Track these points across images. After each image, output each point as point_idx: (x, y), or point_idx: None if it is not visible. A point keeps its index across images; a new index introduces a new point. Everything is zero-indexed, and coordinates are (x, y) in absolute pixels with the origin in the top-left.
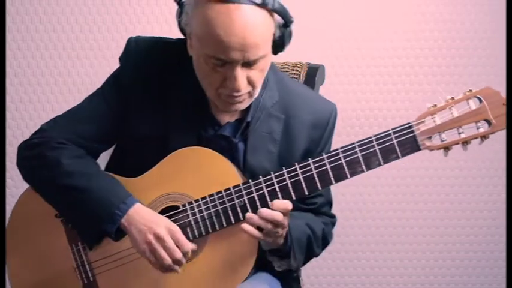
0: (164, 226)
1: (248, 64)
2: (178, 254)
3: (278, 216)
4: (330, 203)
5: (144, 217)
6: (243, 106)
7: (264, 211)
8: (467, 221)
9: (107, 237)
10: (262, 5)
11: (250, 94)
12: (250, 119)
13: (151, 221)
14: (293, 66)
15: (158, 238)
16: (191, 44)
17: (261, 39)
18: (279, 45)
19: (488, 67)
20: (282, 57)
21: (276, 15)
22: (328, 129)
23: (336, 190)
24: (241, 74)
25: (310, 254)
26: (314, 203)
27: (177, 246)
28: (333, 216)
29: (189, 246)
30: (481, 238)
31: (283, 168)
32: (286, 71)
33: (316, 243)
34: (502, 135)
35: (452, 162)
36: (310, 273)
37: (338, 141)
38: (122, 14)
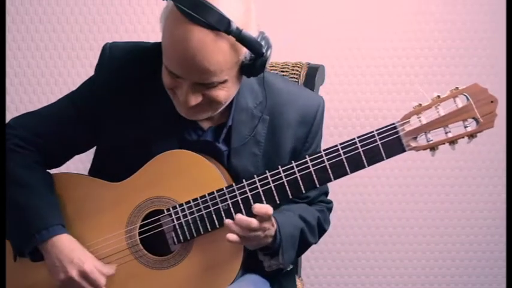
0: (76, 267)
1: (202, 84)
2: None
3: (252, 222)
4: (326, 193)
5: (61, 252)
6: (202, 116)
7: (237, 217)
8: (467, 221)
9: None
10: (226, 33)
11: (211, 107)
12: (231, 123)
13: (66, 260)
14: (293, 66)
15: (69, 279)
16: None
17: (215, 67)
18: (248, 72)
19: (488, 67)
20: (282, 57)
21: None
22: (315, 125)
23: (337, 190)
24: (191, 90)
25: (305, 245)
26: (307, 197)
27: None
28: (329, 202)
29: (102, 284)
30: (481, 238)
31: (267, 171)
32: (286, 71)
33: (311, 234)
34: (502, 135)
35: (453, 162)
36: (310, 273)
37: (339, 141)
38: (122, 14)
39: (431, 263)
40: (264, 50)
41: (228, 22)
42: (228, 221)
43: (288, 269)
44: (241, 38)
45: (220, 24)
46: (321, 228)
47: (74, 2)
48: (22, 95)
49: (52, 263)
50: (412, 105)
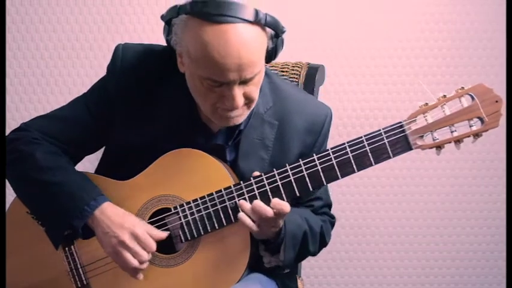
0: (128, 231)
1: (244, 82)
2: (143, 257)
3: (268, 212)
4: (329, 206)
5: (109, 218)
6: (241, 119)
7: (255, 203)
8: (467, 221)
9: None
10: (255, 22)
11: (248, 106)
12: (243, 127)
13: (115, 225)
14: (293, 66)
15: (121, 243)
16: (182, 61)
17: (256, 57)
18: (272, 55)
19: (488, 67)
20: (282, 57)
21: (268, 28)
22: (323, 134)
23: (337, 190)
24: (238, 92)
25: (305, 251)
26: (311, 206)
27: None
28: (332, 217)
29: (154, 247)
30: (481, 238)
31: (274, 169)
32: (286, 71)
33: (312, 240)
34: (502, 135)
35: (453, 162)
36: (310, 273)
37: (339, 141)
38: (122, 14)
39: (431, 263)
40: (283, 26)
41: (256, 11)
42: (242, 202)
43: (286, 271)
44: (268, 22)
45: (249, 15)
46: (322, 239)
47: (74, 2)
48: (22, 95)
49: (102, 231)
50: (416, 104)
